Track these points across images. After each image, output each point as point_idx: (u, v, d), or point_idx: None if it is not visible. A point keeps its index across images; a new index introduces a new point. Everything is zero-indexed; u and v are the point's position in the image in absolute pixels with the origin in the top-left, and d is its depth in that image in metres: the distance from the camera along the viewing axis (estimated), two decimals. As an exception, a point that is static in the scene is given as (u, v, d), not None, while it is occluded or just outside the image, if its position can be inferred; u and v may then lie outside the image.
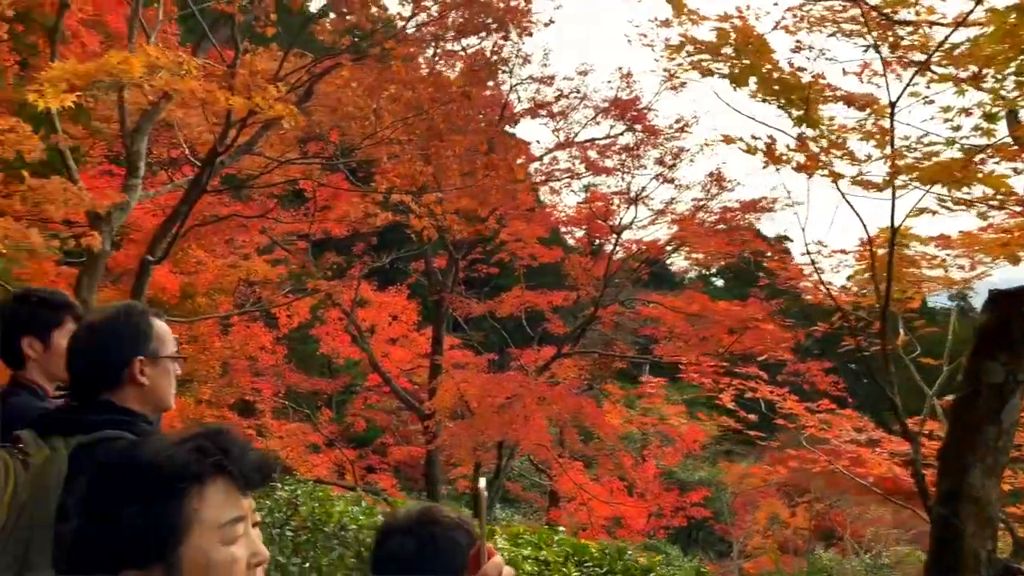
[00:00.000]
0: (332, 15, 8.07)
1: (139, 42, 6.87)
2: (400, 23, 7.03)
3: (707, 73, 4.17)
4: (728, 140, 4.00)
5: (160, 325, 2.56)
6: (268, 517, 4.48)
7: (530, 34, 7.43)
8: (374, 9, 6.96)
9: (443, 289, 17.03)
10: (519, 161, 13.16)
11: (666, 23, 4.12)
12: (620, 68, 20.94)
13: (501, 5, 6.86)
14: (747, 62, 3.56)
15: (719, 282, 33.30)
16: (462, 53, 9.57)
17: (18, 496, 2.14)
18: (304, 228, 17.30)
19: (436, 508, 2.15)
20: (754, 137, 3.92)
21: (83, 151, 13.10)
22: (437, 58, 9.26)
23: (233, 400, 20.80)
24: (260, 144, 7.88)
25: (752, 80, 3.61)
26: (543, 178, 17.08)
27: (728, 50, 3.62)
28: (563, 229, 20.07)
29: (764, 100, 3.73)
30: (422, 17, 6.97)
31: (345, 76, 6.71)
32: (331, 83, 7.54)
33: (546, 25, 8.17)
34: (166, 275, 16.34)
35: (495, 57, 8.03)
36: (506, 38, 7.43)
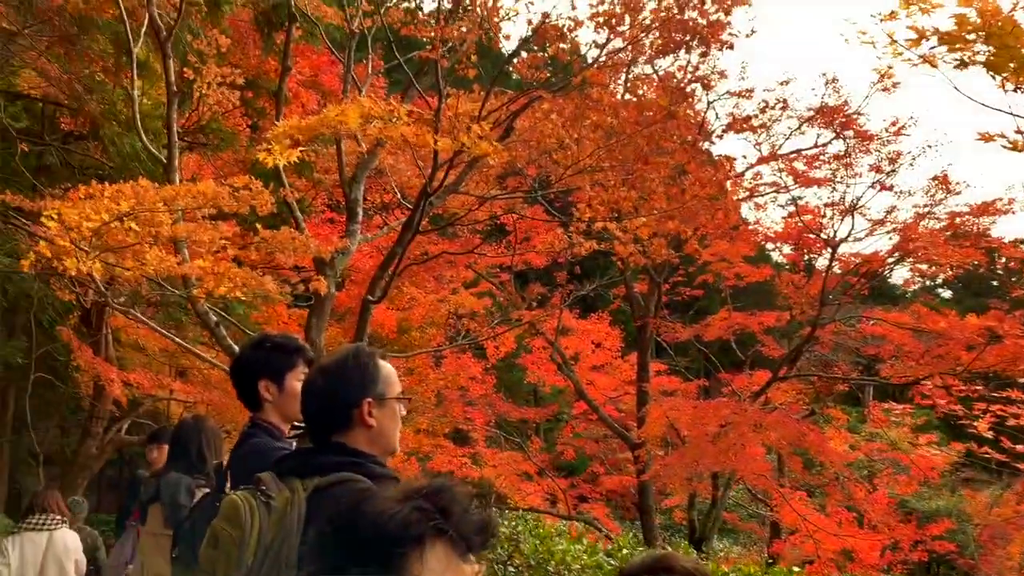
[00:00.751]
0: (525, 53, 8.23)
1: (352, 96, 7.30)
2: (595, 51, 7.03)
3: (936, 65, 3.77)
4: (986, 138, 3.55)
5: (386, 367, 2.59)
6: (490, 553, 4.49)
7: (731, 47, 7.18)
8: (567, 43, 6.99)
9: (646, 314, 16.78)
10: (721, 177, 12.72)
11: (892, 16, 3.75)
12: (824, 73, 19.82)
13: (701, 21, 6.65)
14: (1002, 47, 3.15)
15: (946, 293, 30.62)
16: (655, 75, 9.42)
17: (263, 538, 2.21)
18: (506, 260, 17.71)
19: (671, 556, 2.04)
20: (1020, 132, 3.45)
21: (307, 202, 14.14)
22: (629, 82, 9.16)
23: (448, 429, 21.56)
24: (465, 183, 8.11)
25: (1011, 65, 3.18)
26: (746, 194, 16.44)
27: (972, 36, 3.23)
28: (769, 246, 19.20)
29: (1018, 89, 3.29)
30: (617, 42, 6.91)
31: (545, 109, 6.76)
32: (529, 117, 7.64)
33: (748, 36, 7.84)
34: (383, 312, 17.27)
35: (693, 74, 7.83)
36: (706, 54, 7.22)
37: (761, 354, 17.04)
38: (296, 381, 3.33)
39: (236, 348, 7.14)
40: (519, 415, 19.44)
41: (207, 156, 12.15)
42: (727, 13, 6.76)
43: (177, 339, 8.33)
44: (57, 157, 14.81)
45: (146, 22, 7.13)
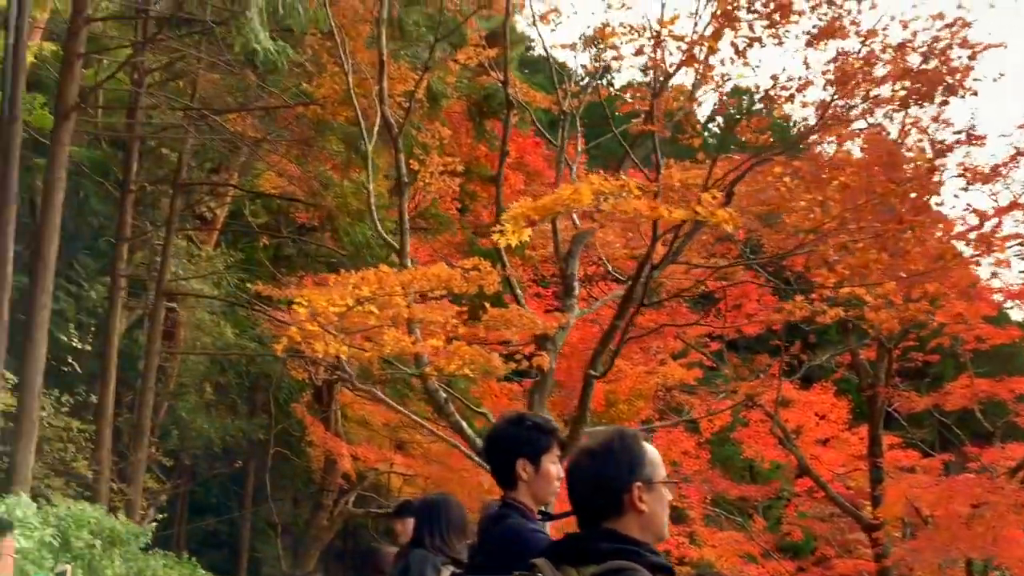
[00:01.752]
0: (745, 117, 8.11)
1: (565, 174, 7.46)
2: (829, 110, 6.77)
3: None
4: None
5: (651, 450, 2.49)
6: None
7: (975, 94, 6.66)
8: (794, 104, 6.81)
9: (875, 383, 15.59)
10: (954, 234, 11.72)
11: None
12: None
13: (943, 70, 6.22)
14: None
15: None
16: (884, 130, 8.89)
17: (552, 627, 2.17)
18: (716, 329, 17.17)
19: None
20: None
21: (517, 279, 14.54)
22: (862, 138, 8.70)
23: (660, 506, 20.86)
24: (684, 251, 8.00)
25: None
26: (982, 249, 15.02)
27: None
28: (1008, 304, 17.34)
29: None
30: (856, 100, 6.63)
31: (776, 172, 6.56)
32: (748, 182, 7.45)
33: (994, 81, 7.27)
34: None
35: (933, 125, 7.32)
36: (946, 103, 6.74)
37: (1015, 425, 15.26)
38: (551, 464, 3.30)
39: (463, 423, 7.34)
40: (738, 492, 18.50)
41: (425, 240, 12.83)
42: (972, 57, 6.30)
43: (414, 416, 8.66)
44: (294, 248, 16.29)
45: (378, 120, 7.71)
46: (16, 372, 10.87)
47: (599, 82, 9.78)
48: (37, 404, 8.80)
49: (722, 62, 7.08)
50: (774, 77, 6.72)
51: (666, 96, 7.30)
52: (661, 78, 7.65)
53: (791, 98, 6.56)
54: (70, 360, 13.39)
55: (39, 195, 18.93)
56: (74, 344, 13.53)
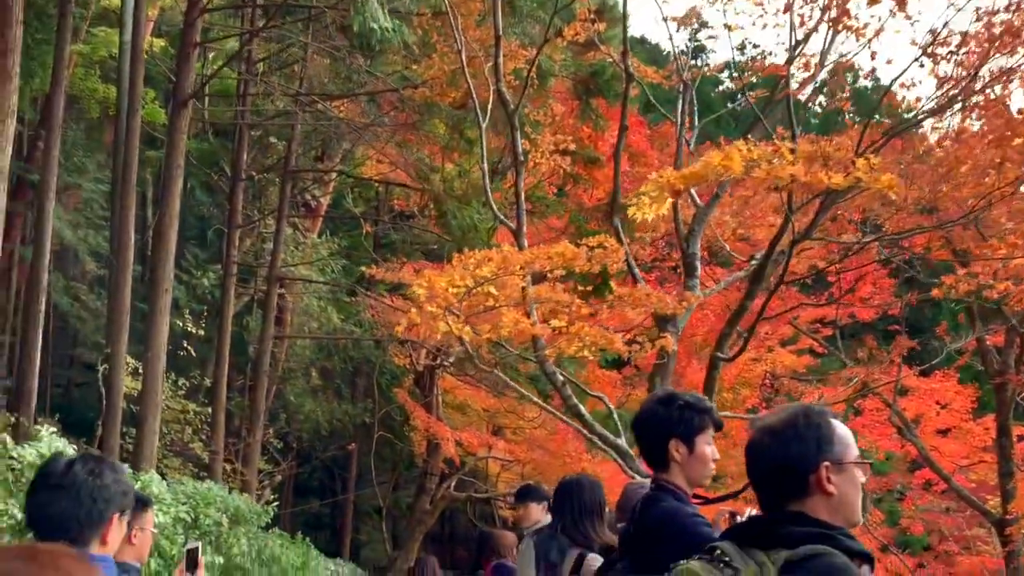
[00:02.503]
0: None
1: (685, 150, 7.15)
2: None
3: None
4: None
5: (840, 427, 2.26)
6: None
7: None
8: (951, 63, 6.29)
9: (1004, 370, 14.66)
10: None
11: None
12: None
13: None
14: None
15: None
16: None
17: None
18: (829, 314, 16.47)
19: None
20: None
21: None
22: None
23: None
24: (817, 228, 7.58)
25: None
26: None
27: None
28: None
29: None
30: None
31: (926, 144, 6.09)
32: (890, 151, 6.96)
33: None
34: (694, 371, 16.77)
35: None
36: None
37: None
38: (705, 444, 3.11)
39: (580, 407, 7.15)
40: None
41: (531, 223, 12.68)
42: None
43: (540, 402, 8.51)
44: (397, 235, 16.40)
45: (491, 97, 7.55)
46: (136, 357, 11.26)
47: (704, 57, 9.38)
48: (161, 384, 9.05)
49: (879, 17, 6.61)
50: (933, 31, 6.24)
51: (802, 61, 6.90)
52: (800, 36, 7.27)
53: (950, 56, 6.08)
54: (185, 345, 13.81)
55: (149, 188, 19.75)
56: (188, 329, 13.94)
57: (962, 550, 17.48)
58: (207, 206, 20.90)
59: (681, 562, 2.25)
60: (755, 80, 13.50)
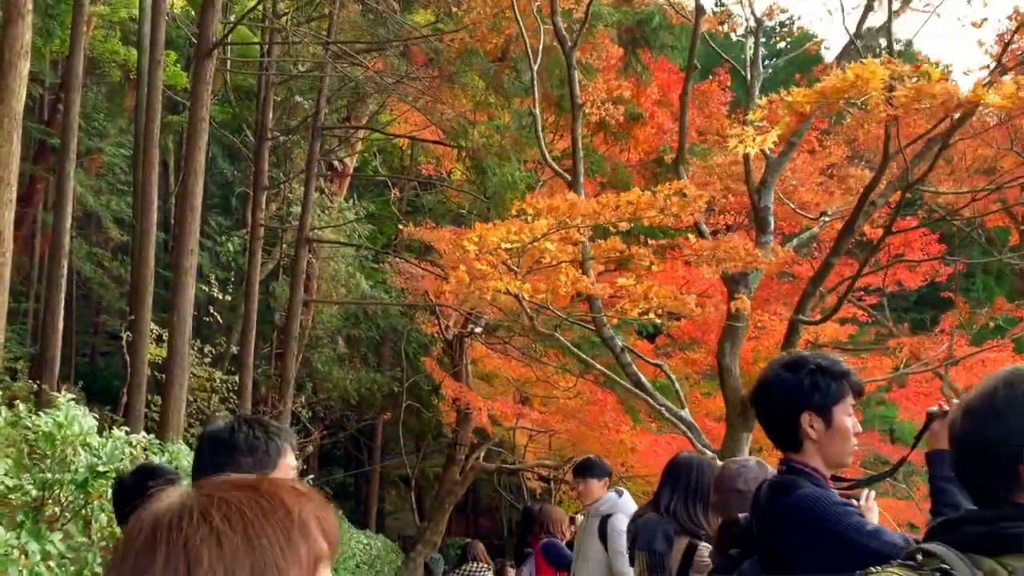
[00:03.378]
0: None
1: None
2: None
3: None
4: None
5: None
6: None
7: None
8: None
9: (1064, 339, 13.96)
10: None
11: None
12: None
13: None
14: None
15: None
16: None
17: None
18: (875, 281, 15.79)
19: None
20: None
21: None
22: None
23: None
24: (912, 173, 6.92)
25: None
26: None
27: None
28: None
29: None
30: None
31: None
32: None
33: None
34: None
35: None
36: None
37: None
38: (845, 416, 2.56)
39: (641, 376, 6.62)
40: (898, 455, 17.19)
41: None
42: None
43: (604, 369, 7.95)
44: (432, 198, 15.84)
45: (542, 40, 6.96)
46: (161, 325, 10.87)
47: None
48: (187, 349, 8.62)
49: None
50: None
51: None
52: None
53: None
54: (211, 311, 13.42)
55: (171, 156, 19.34)
56: (214, 294, 13.54)
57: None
58: (229, 172, 20.49)
59: (873, 570, 1.76)
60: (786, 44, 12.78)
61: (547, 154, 7.21)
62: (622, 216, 5.00)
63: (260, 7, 11.22)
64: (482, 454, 18.63)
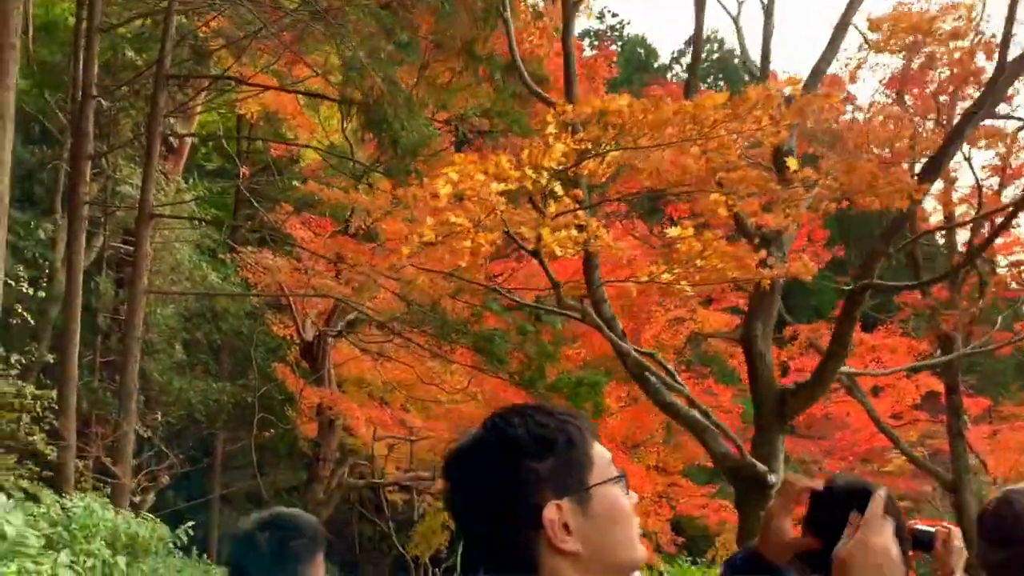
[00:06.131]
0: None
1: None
2: None
3: None
4: None
5: None
6: None
7: None
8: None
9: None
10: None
11: None
12: None
13: None
14: None
15: None
16: None
17: None
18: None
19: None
20: None
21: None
22: None
23: (682, 466, 19.27)
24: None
25: None
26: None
27: None
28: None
29: None
30: None
31: None
32: None
33: None
34: (598, 338, 15.17)
35: None
36: None
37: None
38: None
39: (645, 362, 5.19)
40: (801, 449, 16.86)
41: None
42: None
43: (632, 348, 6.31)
44: (273, 182, 13.72)
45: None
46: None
47: None
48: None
49: None
50: None
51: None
52: None
53: None
54: (20, 310, 10.72)
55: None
56: (23, 289, 10.83)
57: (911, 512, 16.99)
58: (34, 154, 17.28)
59: None
60: None
61: (526, 76, 5.59)
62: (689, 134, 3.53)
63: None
64: (346, 470, 16.63)
